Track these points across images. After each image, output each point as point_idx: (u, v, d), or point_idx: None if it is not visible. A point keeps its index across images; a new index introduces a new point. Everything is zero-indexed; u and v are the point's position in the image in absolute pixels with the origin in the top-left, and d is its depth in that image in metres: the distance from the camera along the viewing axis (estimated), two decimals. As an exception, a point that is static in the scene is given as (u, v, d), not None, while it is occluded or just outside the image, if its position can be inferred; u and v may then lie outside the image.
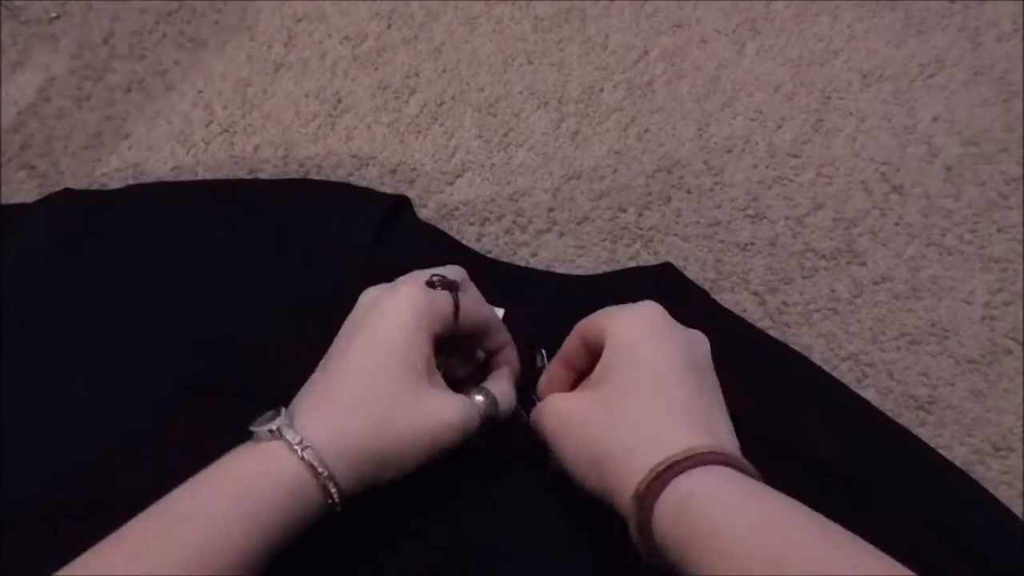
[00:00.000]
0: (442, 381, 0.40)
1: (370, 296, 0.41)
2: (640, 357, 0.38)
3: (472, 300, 0.42)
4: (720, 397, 0.38)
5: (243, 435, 0.37)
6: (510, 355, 0.45)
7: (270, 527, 0.34)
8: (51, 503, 0.42)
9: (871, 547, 0.30)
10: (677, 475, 0.33)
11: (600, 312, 0.41)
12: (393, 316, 0.38)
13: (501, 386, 0.42)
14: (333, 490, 0.35)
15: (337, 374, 0.38)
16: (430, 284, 0.41)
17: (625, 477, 0.34)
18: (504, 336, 0.44)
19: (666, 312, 0.40)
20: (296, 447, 0.34)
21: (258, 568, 0.34)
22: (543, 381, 0.44)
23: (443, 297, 0.40)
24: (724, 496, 0.32)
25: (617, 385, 0.38)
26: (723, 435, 0.36)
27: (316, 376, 0.39)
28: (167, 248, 0.52)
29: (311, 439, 0.35)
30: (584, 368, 0.42)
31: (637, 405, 0.37)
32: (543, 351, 0.47)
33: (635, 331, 0.39)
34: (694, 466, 0.33)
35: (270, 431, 0.35)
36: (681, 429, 0.35)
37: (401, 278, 0.42)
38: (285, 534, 0.35)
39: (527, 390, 0.45)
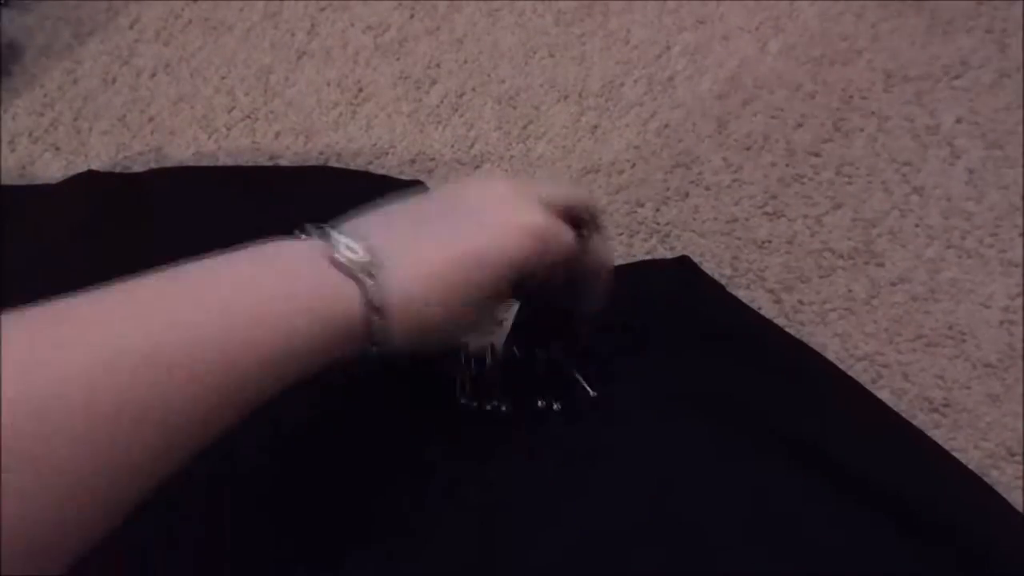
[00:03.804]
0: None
1: (489, 186, 0.36)
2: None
3: (604, 248, 0.39)
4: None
5: None
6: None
7: (314, 336, 0.29)
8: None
9: None
10: None
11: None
12: (512, 218, 0.34)
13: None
14: (379, 336, 0.31)
15: (432, 241, 0.33)
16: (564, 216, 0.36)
17: None
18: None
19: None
20: (377, 305, 0.30)
21: (265, 384, 0.29)
22: None
23: (568, 232, 0.36)
24: None
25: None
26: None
27: (400, 222, 0.34)
28: (187, 231, 0.52)
29: (388, 301, 0.31)
30: None
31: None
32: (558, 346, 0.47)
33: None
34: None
35: (353, 274, 0.31)
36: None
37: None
38: (319, 359, 0.30)
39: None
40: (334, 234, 0.32)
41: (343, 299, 0.30)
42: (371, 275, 0.31)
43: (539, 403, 0.46)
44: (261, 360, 0.28)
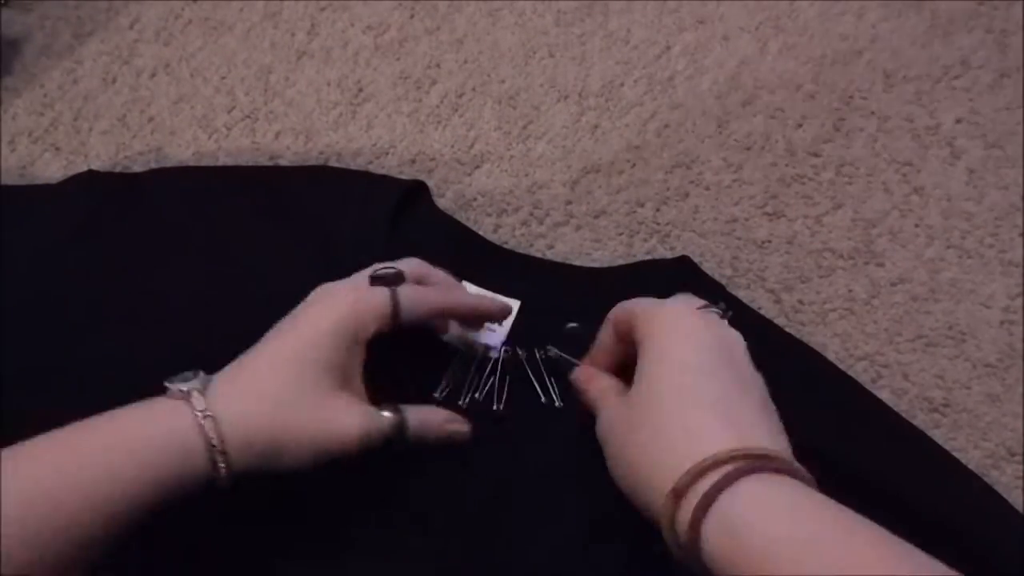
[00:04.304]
0: (361, 388, 0.40)
1: (320, 290, 0.41)
2: (669, 355, 0.36)
3: (417, 294, 0.42)
4: (764, 394, 0.36)
5: None
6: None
7: (146, 482, 0.34)
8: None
9: (937, 562, 0.29)
10: (725, 484, 0.30)
11: (631, 303, 0.41)
12: (320, 317, 0.39)
13: (425, 412, 0.41)
14: (222, 464, 0.35)
15: (262, 358, 0.39)
16: (374, 279, 0.41)
17: (657, 487, 0.33)
18: (444, 305, 0.44)
19: (694, 306, 0.39)
20: (198, 413, 0.35)
21: (118, 520, 0.34)
22: (578, 373, 0.43)
23: (379, 296, 0.40)
24: (776, 511, 0.30)
25: (647, 386, 0.36)
26: (764, 433, 0.33)
27: (248, 352, 0.39)
28: (187, 232, 0.52)
29: (216, 410, 0.35)
30: (623, 356, 0.41)
31: (669, 405, 0.35)
32: (552, 349, 0.47)
33: (664, 328, 0.37)
34: (740, 474, 0.30)
35: (181, 390, 0.36)
36: (716, 427, 0.33)
37: (356, 274, 0.42)
38: (158, 495, 0.34)
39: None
40: (195, 400, 0.36)
41: (175, 416, 0.35)
42: (200, 392, 0.36)
43: (541, 399, 0.46)
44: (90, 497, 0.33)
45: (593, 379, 0.42)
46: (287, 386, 0.37)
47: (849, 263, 0.55)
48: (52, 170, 0.58)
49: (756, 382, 0.37)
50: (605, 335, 0.42)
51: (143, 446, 0.34)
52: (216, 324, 0.48)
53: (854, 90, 0.61)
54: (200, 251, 0.52)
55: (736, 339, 0.38)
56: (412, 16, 0.64)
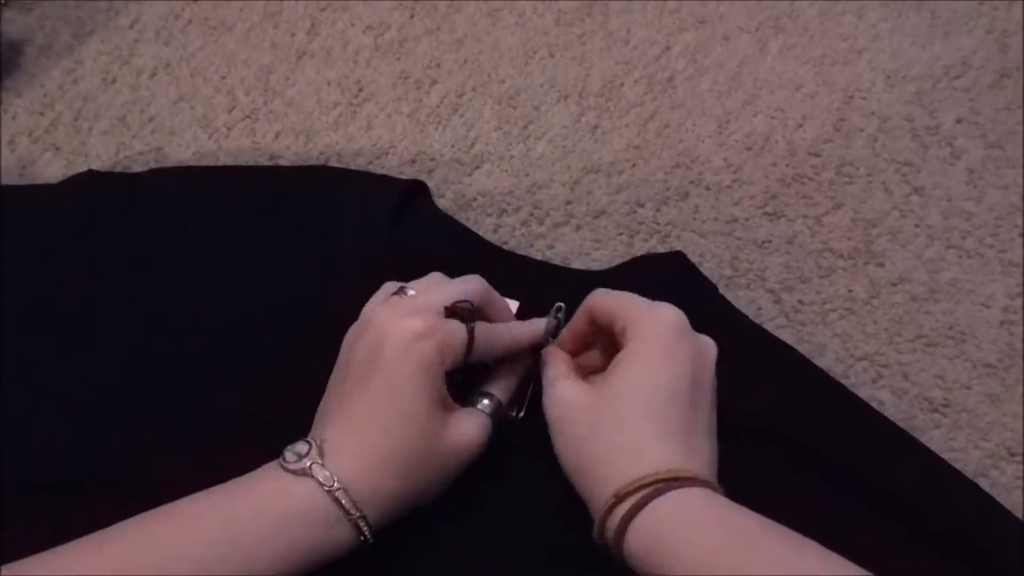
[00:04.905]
0: (450, 400, 0.40)
1: (380, 320, 0.39)
2: (648, 367, 0.38)
3: (492, 334, 0.41)
4: (713, 419, 0.39)
5: (265, 449, 0.37)
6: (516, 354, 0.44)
7: (299, 562, 0.35)
8: (64, 478, 0.42)
9: (850, 564, 0.31)
10: (657, 495, 0.34)
11: (617, 296, 0.41)
12: (409, 361, 0.37)
13: (503, 383, 0.42)
14: (365, 528, 0.36)
15: (361, 414, 0.38)
16: (450, 312, 0.39)
17: (601, 485, 0.35)
18: (514, 345, 0.43)
19: (684, 319, 0.40)
20: (329, 489, 0.35)
21: None
22: (548, 350, 0.43)
23: (458, 334, 0.39)
24: (698, 513, 0.33)
25: (620, 390, 0.38)
26: (705, 460, 0.37)
27: (335, 407, 0.38)
28: (188, 232, 0.52)
29: (343, 479, 0.35)
30: (591, 342, 0.43)
31: (631, 417, 0.37)
32: (561, 308, 0.47)
33: (655, 336, 0.38)
34: (670, 488, 0.34)
35: (302, 469, 0.35)
36: (668, 449, 0.36)
37: (414, 292, 0.41)
38: (312, 566, 0.35)
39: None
40: (320, 475, 0.36)
41: (303, 489, 0.35)
42: (319, 464, 0.36)
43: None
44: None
45: (556, 357, 0.42)
46: (403, 436, 0.37)
47: (849, 263, 0.55)
48: (52, 170, 0.58)
49: (710, 402, 0.39)
50: (579, 320, 0.42)
51: (288, 531, 0.34)
52: (216, 324, 0.48)
53: (854, 90, 0.61)
54: (200, 251, 0.52)
55: (709, 349, 0.40)
56: (412, 16, 0.64)
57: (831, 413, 0.46)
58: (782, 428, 0.44)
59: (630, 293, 0.41)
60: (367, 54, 0.63)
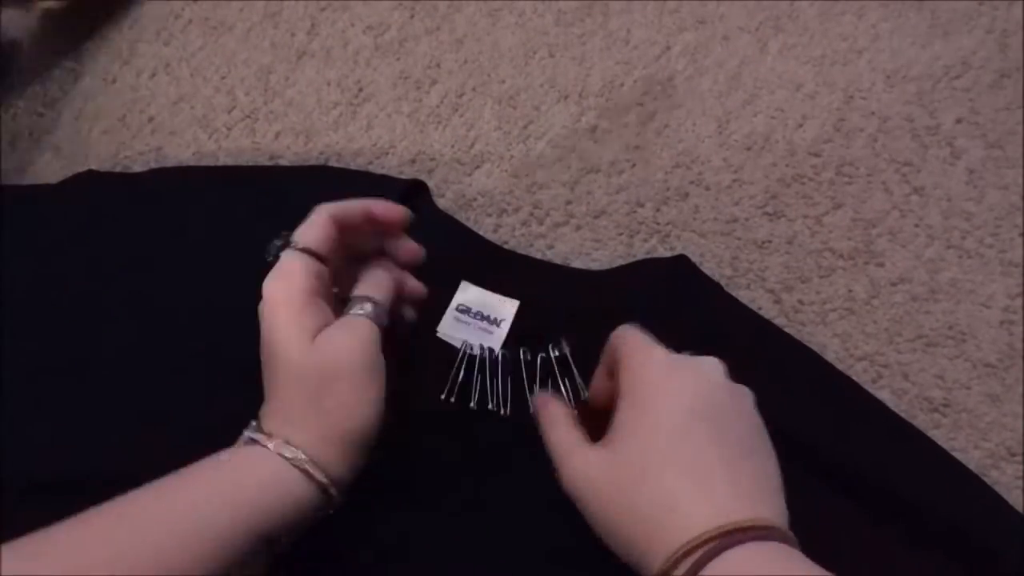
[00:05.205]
0: (329, 314, 0.39)
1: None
2: (655, 407, 0.35)
3: (336, 210, 0.41)
4: (759, 444, 0.35)
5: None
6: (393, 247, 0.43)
7: (273, 536, 0.35)
8: (64, 478, 0.42)
9: None
10: (711, 558, 0.30)
11: (620, 336, 0.39)
12: (271, 321, 0.38)
13: (372, 282, 0.41)
14: (333, 490, 0.36)
15: (276, 384, 0.38)
16: (275, 258, 0.40)
17: (650, 553, 0.32)
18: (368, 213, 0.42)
19: (676, 356, 0.37)
20: (292, 460, 0.36)
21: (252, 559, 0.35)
22: (541, 401, 0.42)
23: (290, 257, 0.39)
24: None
25: (631, 441, 0.35)
26: (759, 496, 0.33)
27: (267, 384, 0.39)
28: (188, 232, 0.52)
29: (300, 445, 0.36)
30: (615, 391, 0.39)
31: (654, 466, 0.33)
32: (563, 344, 0.47)
33: (649, 376, 0.36)
34: (722, 548, 0.30)
35: (263, 444, 0.36)
36: (693, 499, 0.32)
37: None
38: (289, 537, 0.36)
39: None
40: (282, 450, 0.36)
41: (271, 464, 0.36)
42: (284, 441, 0.36)
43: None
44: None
45: (548, 409, 0.40)
46: (292, 380, 0.37)
47: (849, 263, 0.55)
48: (52, 170, 0.58)
49: (747, 428, 0.35)
50: (599, 371, 0.41)
51: (264, 509, 0.35)
52: (216, 323, 0.48)
53: (854, 90, 0.61)
54: (200, 251, 0.52)
55: (711, 373, 0.37)
56: (412, 16, 0.64)
57: (839, 410, 0.47)
58: (788, 426, 0.44)
59: (633, 332, 0.39)
60: (367, 54, 0.63)
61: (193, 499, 0.34)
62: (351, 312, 0.40)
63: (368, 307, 0.40)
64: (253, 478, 0.35)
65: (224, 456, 0.37)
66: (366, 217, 0.42)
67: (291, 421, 0.37)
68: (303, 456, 0.36)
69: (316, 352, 0.37)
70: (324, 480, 0.36)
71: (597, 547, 0.40)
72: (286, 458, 0.36)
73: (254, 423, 0.38)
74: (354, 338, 0.38)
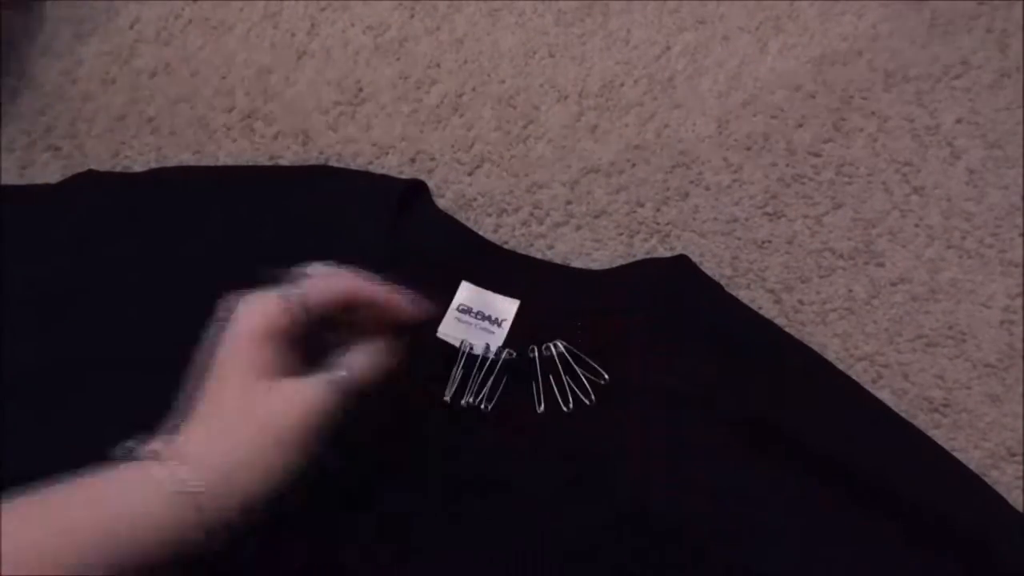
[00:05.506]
0: (296, 370, 0.38)
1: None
2: None
3: (321, 280, 0.40)
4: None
5: None
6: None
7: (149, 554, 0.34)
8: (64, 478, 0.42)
9: None
10: None
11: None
12: (230, 343, 0.38)
13: (357, 355, 0.40)
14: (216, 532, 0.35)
15: (203, 400, 0.38)
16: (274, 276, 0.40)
17: None
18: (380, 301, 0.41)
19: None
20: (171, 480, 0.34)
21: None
22: None
23: (267, 296, 0.39)
24: None
25: None
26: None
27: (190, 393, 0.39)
28: (187, 232, 0.52)
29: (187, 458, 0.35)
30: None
31: None
32: (563, 343, 0.47)
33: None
34: None
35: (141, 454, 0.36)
36: None
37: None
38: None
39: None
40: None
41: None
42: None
43: (539, 407, 0.46)
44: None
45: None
46: (228, 411, 0.37)
47: (849, 263, 0.55)
48: (52, 170, 0.58)
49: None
50: None
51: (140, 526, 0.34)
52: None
53: (854, 90, 0.61)
54: (200, 251, 0.52)
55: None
56: (412, 16, 0.64)
57: (839, 410, 0.47)
58: (787, 426, 0.44)
59: None
60: (367, 54, 0.63)
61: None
62: (320, 374, 0.38)
63: (335, 373, 0.38)
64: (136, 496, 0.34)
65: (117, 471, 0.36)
66: (388, 307, 0.41)
67: (196, 445, 0.36)
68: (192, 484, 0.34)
69: (268, 395, 0.37)
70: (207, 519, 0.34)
71: (596, 545, 0.40)
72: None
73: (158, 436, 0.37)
74: (305, 399, 0.37)
